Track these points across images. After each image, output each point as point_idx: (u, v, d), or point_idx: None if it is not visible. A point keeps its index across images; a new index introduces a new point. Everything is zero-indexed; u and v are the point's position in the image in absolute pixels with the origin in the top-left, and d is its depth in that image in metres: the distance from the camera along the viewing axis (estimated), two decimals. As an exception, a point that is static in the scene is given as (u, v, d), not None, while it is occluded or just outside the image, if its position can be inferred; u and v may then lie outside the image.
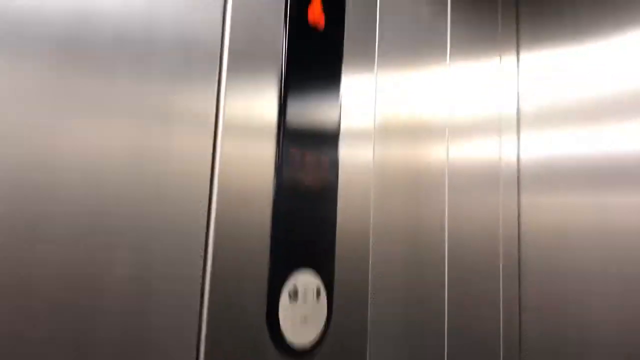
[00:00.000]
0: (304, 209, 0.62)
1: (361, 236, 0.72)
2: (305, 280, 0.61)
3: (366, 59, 0.75)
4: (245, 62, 0.58)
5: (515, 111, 1.20)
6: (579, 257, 1.09)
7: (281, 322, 0.57)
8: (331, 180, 0.66)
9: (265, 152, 0.59)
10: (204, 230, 0.53)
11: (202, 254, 0.52)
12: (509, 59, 1.19)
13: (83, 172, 0.45)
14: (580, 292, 1.09)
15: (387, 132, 0.79)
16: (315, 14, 0.66)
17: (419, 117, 0.87)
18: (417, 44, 0.87)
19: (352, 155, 0.71)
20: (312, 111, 0.65)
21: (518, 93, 1.21)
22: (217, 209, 0.54)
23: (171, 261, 0.50)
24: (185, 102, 0.52)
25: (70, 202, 0.44)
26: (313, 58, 0.65)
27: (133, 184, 0.48)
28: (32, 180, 0.42)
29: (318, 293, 0.62)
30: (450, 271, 0.90)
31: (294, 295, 0.59)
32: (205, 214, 0.53)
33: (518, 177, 1.18)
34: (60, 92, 0.44)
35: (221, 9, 0.57)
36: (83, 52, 0.46)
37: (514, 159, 1.18)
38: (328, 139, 0.67)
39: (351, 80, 0.72)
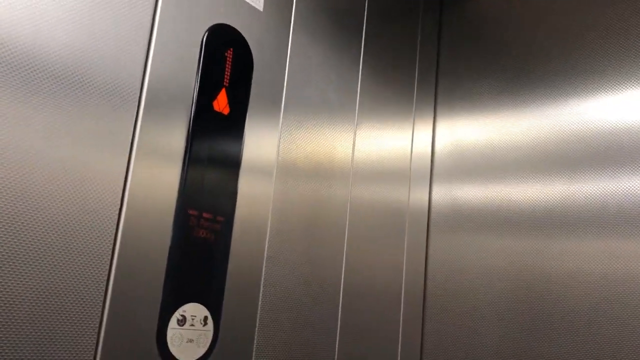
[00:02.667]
0: (198, 255, 0.82)
1: (254, 271, 0.91)
2: (193, 310, 0.80)
3: (270, 127, 0.95)
4: (157, 115, 0.78)
5: (428, 163, 1.39)
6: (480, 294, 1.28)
7: (168, 342, 0.77)
8: (225, 233, 0.86)
9: (166, 205, 0.79)
10: (109, 254, 0.72)
11: (106, 277, 0.71)
12: (425, 121, 1.38)
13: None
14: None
15: (287, 174, 0.98)
16: (221, 105, 0.86)
17: (322, 164, 1.06)
18: (324, 110, 1.07)
19: (252, 192, 0.91)
20: (211, 175, 0.85)
21: (433, 149, 1.41)
22: (122, 239, 0.73)
23: (75, 277, 0.69)
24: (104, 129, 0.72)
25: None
26: (217, 133, 0.85)
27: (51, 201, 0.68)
28: None
29: (205, 320, 0.82)
30: (344, 313, 1.08)
31: (182, 320, 0.79)
32: (112, 240, 0.72)
33: (428, 221, 1.37)
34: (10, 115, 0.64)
35: (142, 63, 0.77)
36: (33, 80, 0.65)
37: (425, 205, 1.37)
38: (226, 196, 0.87)
39: (256, 143, 0.92)
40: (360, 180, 1.16)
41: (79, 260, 0.69)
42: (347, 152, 1.13)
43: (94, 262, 0.70)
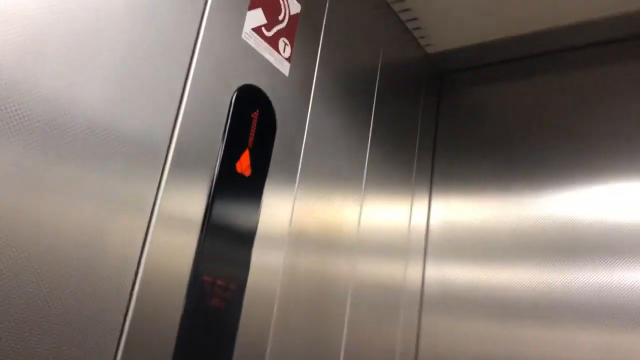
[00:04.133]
0: (208, 324, 0.76)
1: (261, 342, 0.85)
2: (200, 384, 0.73)
3: (286, 190, 0.92)
4: (180, 177, 0.74)
5: (423, 241, 1.38)
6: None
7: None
8: (236, 303, 0.80)
9: (186, 252, 0.74)
10: (123, 315, 0.65)
11: (117, 339, 0.65)
12: (421, 199, 1.38)
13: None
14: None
15: (298, 243, 0.94)
16: (243, 167, 0.83)
17: (331, 233, 1.03)
18: (335, 179, 1.06)
19: (264, 262, 0.86)
20: (228, 240, 0.80)
21: (427, 227, 1.40)
22: (139, 289, 0.67)
23: (88, 333, 0.62)
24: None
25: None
26: (237, 195, 0.82)
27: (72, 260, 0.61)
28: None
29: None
30: None
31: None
32: (125, 308, 0.66)
33: (421, 299, 1.34)
34: (36, 173, 0.58)
35: (172, 124, 0.73)
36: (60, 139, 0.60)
37: (419, 282, 1.34)
38: (240, 264, 0.82)
39: (271, 208, 0.88)
40: (364, 253, 1.13)
41: (90, 329, 0.62)
42: (354, 222, 1.10)
43: (104, 331, 0.63)
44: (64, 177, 0.61)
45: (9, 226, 0.55)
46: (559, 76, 1.35)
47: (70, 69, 0.62)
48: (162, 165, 0.72)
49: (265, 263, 0.87)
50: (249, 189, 0.84)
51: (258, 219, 0.85)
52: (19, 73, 0.57)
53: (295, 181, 0.95)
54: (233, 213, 0.81)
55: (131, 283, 0.67)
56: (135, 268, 0.67)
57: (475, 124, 1.45)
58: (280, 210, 0.91)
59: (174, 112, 0.74)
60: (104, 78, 0.65)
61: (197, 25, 0.78)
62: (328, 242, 1.03)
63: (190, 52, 0.77)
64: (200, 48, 0.78)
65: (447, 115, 1.50)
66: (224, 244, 0.79)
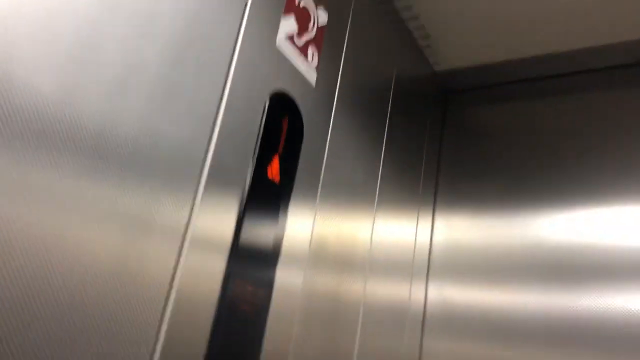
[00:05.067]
0: (237, 329, 0.74)
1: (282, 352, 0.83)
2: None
3: (309, 203, 0.92)
4: (217, 188, 0.72)
5: (426, 261, 1.38)
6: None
7: None
8: (263, 306, 0.79)
9: (215, 274, 0.72)
10: (156, 330, 0.63)
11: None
12: (425, 217, 1.39)
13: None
14: None
15: (317, 261, 0.93)
16: (274, 172, 0.82)
17: (346, 250, 1.03)
18: (351, 194, 1.05)
19: (286, 281, 0.85)
20: (259, 243, 0.79)
21: (430, 246, 1.41)
22: (170, 315, 0.65)
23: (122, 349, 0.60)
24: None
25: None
26: (268, 202, 0.81)
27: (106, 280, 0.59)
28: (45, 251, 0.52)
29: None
30: None
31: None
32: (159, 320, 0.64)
33: (423, 319, 1.34)
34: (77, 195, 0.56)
35: (208, 135, 0.71)
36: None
37: (421, 301, 1.34)
38: (268, 269, 0.81)
39: (296, 217, 0.88)
40: (374, 271, 1.12)
41: (122, 352, 0.60)
42: (367, 236, 1.10)
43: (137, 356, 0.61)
44: (99, 199, 0.59)
45: (48, 251, 0.54)
46: (564, 99, 1.39)
47: (116, 87, 0.61)
48: (197, 180, 0.70)
49: (290, 272, 0.86)
50: (279, 195, 0.84)
51: (285, 227, 0.84)
52: (66, 94, 0.56)
53: (317, 193, 0.94)
54: (263, 221, 0.80)
55: (162, 307, 0.65)
56: (166, 292, 0.65)
57: (479, 144, 1.47)
58: (304, 221, 0.90)
59: (211, 123, 0.73)
60: (147, 94, 0.64)
61: (235, 32, 0.77)
62: (343, 258, 1.02)
63: (229, 60, 0.76)
64: (238, 56, 0.77)
65: (451, 134, 1.52)
66: (253, 259, 0.78)
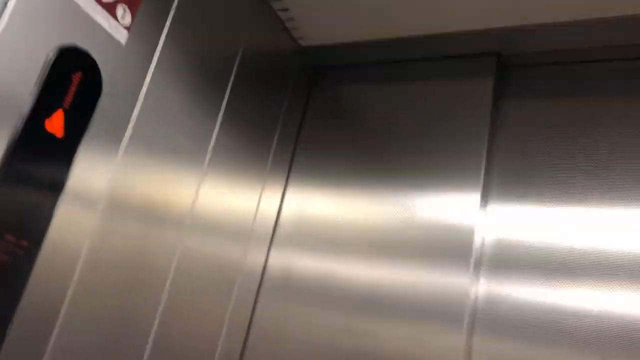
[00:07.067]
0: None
1: (53, 307, 0.85)
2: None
3: (106, 158, 0.93)
4: None
5: (271, 228, 1.42)
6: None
7: None
8: (27, 259, 0.80)
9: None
10: None
11: None
12: (275, 187, 1.42)
13: None
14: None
15: (115, 211, 0.95)
16: (55, 126, 0.82)
17: (157, 209, 1.04)
18: (172, 154, 1.07)
19: (64, 234, 0.86)
20: (24, 194, 0.80)
21: (278, 215, 1.44)
22: None
23: None
24: None
25: None
26: (45, 155, 0.81)
27: None
28: None
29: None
30: None
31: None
32: None
33: (260, 286, 1.38)
34: None
35: None
36: None
37: (260, 266, 1.38)
38: (37, 221, 0.81)
39: (87, 172, 0.88)
40: (197, 230, 1.15)
41: None
42: (188, 200, 1.12)
43: None
44: None
45: None
46: (425, 83, 1.43)
47: None
48: None
49: (73, 224, 0.87)
50: (60, 149, 0.84)
51: (65, 179, 0.85)
52: None
53: (119, 150, 0.95)
54: (36, 172, 0.80)
55: None
56: None
57: (342, 122, 1.50)
58: (97, 175, 0.91)
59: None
60: None
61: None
62: (154, 215, 1.04)
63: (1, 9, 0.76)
64: (15, 5, 0.77)
65: (314, 110, 1.55)
66: (20, 196, 0.78)
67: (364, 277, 1.31)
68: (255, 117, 1.32)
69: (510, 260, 1.20)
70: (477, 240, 1.23)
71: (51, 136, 0.83)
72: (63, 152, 0.85)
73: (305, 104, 1.55)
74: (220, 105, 1.19)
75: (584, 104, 1.28)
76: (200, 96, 1.13)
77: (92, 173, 0.90)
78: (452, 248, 1.22)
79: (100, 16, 0.90)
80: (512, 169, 1.28)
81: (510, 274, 1.20)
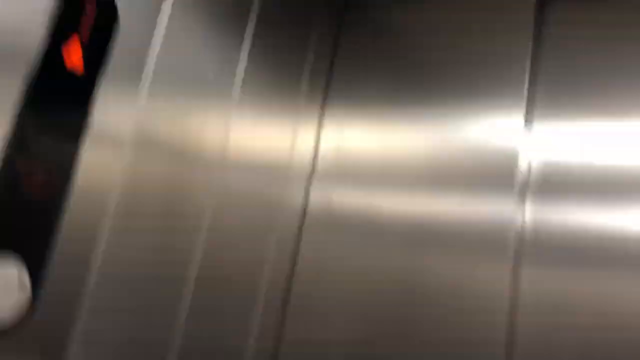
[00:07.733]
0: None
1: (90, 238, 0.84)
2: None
3: (132, 94, 0.90)
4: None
5: (309, 164, 1.37)
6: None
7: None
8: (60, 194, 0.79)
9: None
10: None
11: None
12: (311, 119, 1.37)
13: None
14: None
15: (145, 149, 0.93)
16: (74, 61, 0.79)
17: (189, 145, 1.02)
18: (199, 88, 1.03)
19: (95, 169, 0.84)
20: (49, 131, 0.78)
21: (317, 150, 1.39)
22: None
23: None
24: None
25: None
26: (64, 90, 0.79)
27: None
28: None
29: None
30: (193, 301, 1.03)
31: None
32: None
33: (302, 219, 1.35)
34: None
35: None
36: None
37: (301, 201, 1.35)
38: (64, 154, 0.80)
39: (111, 109, 0.86)
40: (231, 168, 1.12)
41: None
42: (220, 136, 1.09)
43: None
44: None
45: None
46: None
47: None
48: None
49: (101, 169, 0.85)
50: (80, 86, 0.81)
51: (88, 117, 0.83)
52: None
53: (144, 84, 0.92)
54: (58, 106, 0.78)
55: None
56: None
57: (380, 42, 1.40)
58: (122, 114, 0.88)
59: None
60: None
61: None
62: (185, 153, 1.01)
63: None
64: None
65: (349, 30, 1.45)
66: (46, 134, 0.76)
67: (407, 209, 1.26)
68: (284, 42, 1.25)
69: (559, 184, 1.13)
70: (522, 164, 1.16)
71: (70, 73, 0.79)
72: (84, 87, 0.82)
73: (340, 25, 1.45)
74: (246, 31, 1.13)
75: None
76: (223, 23, 1.07)
77: (116, 111, 0.87)
78: (494, 175, 1.16)
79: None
80: (559, 81, 1.17)
81: (558, 199, 1.13)
